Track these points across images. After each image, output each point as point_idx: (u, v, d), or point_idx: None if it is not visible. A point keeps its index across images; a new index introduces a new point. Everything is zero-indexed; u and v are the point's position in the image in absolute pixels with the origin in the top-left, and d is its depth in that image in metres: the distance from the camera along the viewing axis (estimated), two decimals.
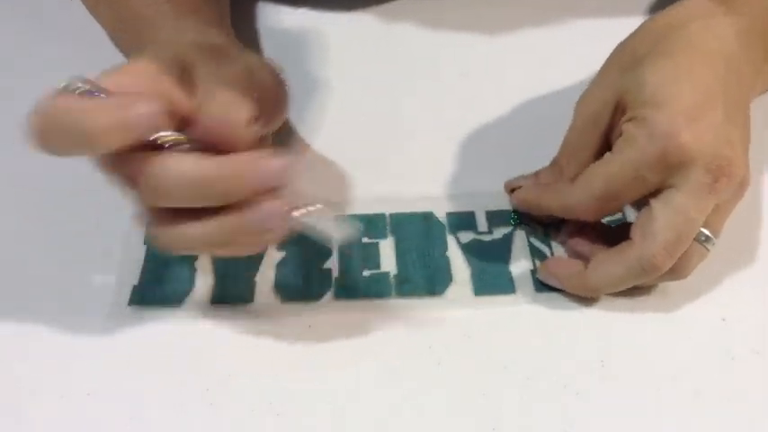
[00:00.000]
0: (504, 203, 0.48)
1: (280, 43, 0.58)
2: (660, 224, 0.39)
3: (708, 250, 0.41)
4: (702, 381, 0.40)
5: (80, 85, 0.33)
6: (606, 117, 0.42)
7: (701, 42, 0.42)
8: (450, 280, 0.44)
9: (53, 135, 0.33)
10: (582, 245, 0.44)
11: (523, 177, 0.47)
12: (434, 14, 0.59)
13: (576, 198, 0.42)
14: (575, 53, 0.56)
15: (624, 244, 0.41)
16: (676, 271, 0.40)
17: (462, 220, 0.47)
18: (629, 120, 0.40)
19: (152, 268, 0.45)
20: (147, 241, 0.46)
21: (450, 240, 0.46)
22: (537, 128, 0.52)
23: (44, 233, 0.47)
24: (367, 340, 0.42)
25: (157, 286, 0.44)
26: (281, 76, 0.45)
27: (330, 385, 0.40)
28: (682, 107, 0.39)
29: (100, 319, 0.43)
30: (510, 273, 0.44)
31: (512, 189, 0.47)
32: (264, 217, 0.34)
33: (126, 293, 0.43)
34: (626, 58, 0.43)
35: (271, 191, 0.34)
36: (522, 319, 0.42)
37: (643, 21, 0.45)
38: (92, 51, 0.59)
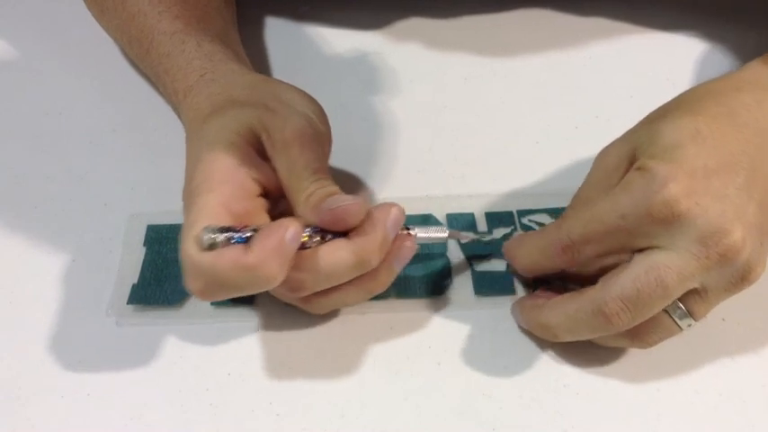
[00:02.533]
0: (503, 204, 0.48)
1: (285, 59, 0.59)
2: (626, 274, 0.36)
3: (680, 329, 0.37)
4: (702, 381, 0.40)
5: (219, 235, 0.35)
6: (621, 171, 0.39)
7: (745, 114, 0.38)
8: (450, 281, 0.44)
9: (226, 292, 0.36)
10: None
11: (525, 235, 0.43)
12: (445, 32, 0.60)
13: (556, 236, 0.39)
14: (575, 69, 0.57)
15: (588, 287, 0.38)
16: (637, 336, 0.38)
17: (462, 221, 0.47)
18: (635, 169, 0.37)
19: (151, 268, 0.45)
20: (147, 241, 0.46)
21: (450, 241, 0.46)
22: (536, 130, 0.52)
23: (44, 232, 0.47)
24: (367, 341, 0.42)
25: (157, 285, 0.44)
26: (323, 110, 0.44)
27: (330, 385, 0.40)
28: (689, 165, 0.35)
29: (100, 319, 0.43)
30: (510, 273, 0.44)
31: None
32: (406, 257, 0.39)
33: (125, 293, 0.43)
34: (655, 115, 0.40)
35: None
36: None
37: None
38: (93, 51, 0.59)
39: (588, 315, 0.37)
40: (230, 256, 0.34)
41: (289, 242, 0.35)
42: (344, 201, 0.37)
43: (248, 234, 0.35)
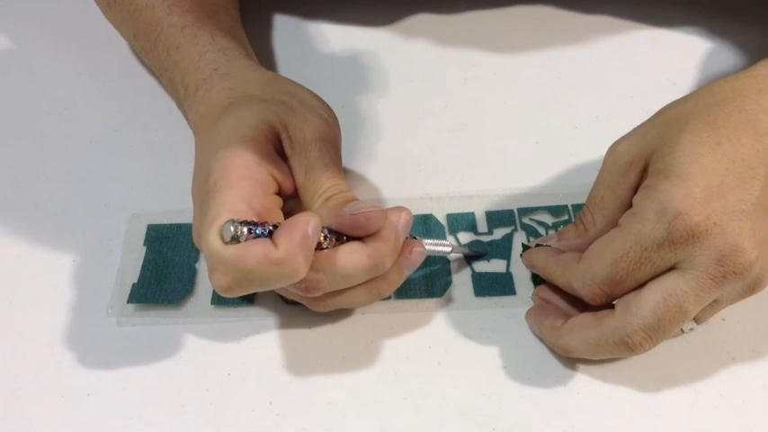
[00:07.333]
0: (503, 204, 0.48)
1: (284, 59, 0.59)
2: (646, 303, 0.36)
3: (682, 332, 0.39)
4: (702, 381, 0.40)
5: (242, 229, 0.35)
6: (636, 171, 0.38)
7: (766, 121, 0.37)
8: (451, 281, 0.44)
9: (252, 287, 0.36)
10: (549, 294, 0.42)
11: (546, 237, 0.44)
12: (446, 30, 0.59)
13: (580, 282, 0.38)
14: (575, 69, 0.56)
15: (605, 312, 0.38)
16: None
17: (462, 221, 0.47)
18: (643, 188, 0.37)
19: (152, 267, 0.45)
20: (147, 240, 0.46)
21: (450, 241, 0.46)
22: (536, 130, 0.52)
23: (44, 232, 0.47)
24: (367, 341, 0.42)
25: (157, 285, 0.44)
26: (335, 114, 0.44)
27: (330, 385, 0.40)
28: (706, 184, 0.35)
29: (100, 319, 0.43)
30: (510, 274, 0.44)
31: (536, 244, 0.44)
32: (417, 261, 0.40)
33: (125, 292, 0.43)
34: (673, 115, 0.39)
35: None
36: (522, 320, 0.42)
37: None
38: (94, 50, 0.59)
39: (610, 345, 0.37)
40: (259, 251, 0.34)
41: (311, 237, 0.35)
42: (366, 208, 0.37)
43: (269, 228, 0.35)
